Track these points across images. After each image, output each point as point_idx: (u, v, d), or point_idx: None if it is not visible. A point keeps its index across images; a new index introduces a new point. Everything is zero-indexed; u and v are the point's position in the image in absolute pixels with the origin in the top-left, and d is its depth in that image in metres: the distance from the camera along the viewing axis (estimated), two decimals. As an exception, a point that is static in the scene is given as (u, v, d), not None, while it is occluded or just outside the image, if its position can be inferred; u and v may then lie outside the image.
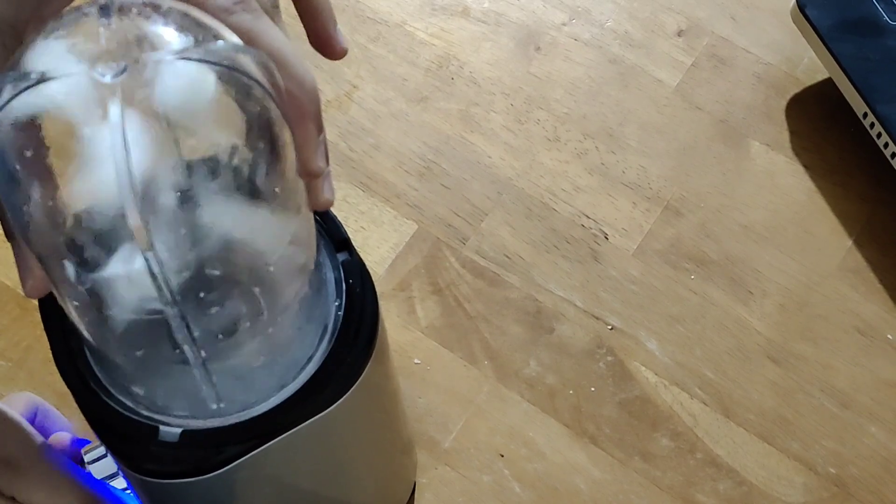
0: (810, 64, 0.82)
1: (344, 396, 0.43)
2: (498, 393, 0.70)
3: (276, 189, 0.36)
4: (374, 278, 0.72)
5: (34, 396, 0.59)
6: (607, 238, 0.75)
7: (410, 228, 0.75)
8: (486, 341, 0.72)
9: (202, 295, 0.36)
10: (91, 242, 0.34)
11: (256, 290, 0.38)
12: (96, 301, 0.36)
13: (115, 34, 0.33)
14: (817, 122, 0.80)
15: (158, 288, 0.35)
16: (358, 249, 0.73)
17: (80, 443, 0.58)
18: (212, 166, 0.34)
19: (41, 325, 0.45)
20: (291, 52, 0.38)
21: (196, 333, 0.37)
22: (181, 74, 0.33)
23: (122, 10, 0.34)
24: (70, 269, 0.35)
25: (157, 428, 0.41)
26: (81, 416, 0.44)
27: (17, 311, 0.73)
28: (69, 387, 0.43)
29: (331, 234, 0.46)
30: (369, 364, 0.44)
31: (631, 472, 0.68)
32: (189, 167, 0.33)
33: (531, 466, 0.68)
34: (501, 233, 0.75)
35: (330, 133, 0.78)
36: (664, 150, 0.79)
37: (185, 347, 0.38)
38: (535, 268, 0.74)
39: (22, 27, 0.39)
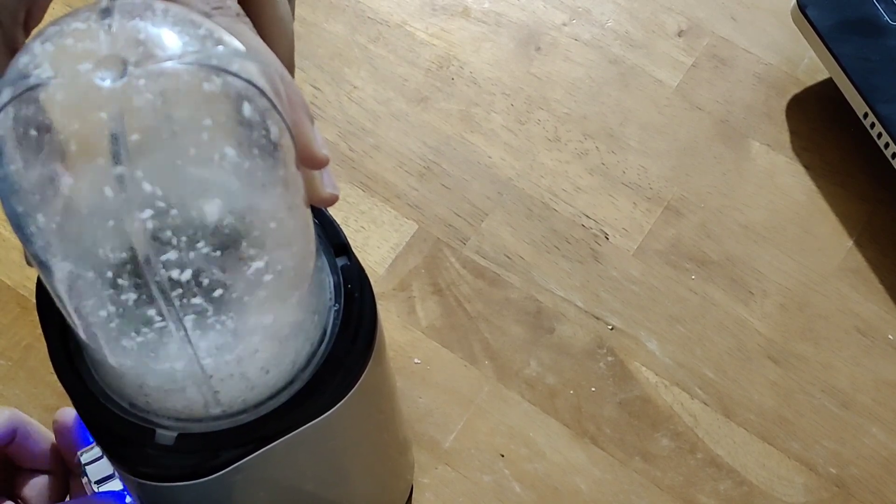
0: (811, 64, 0.82)
1: (342, 401, 0.43)
2: (498, 393, 0.70)
3: (276, 192, 0.36)
4: (374, 278, 0.73)
5: (16, 414, 0.58)
6: (608, 238, 0.75)
7: (411, 228, 0.76)
8: (487, 341, 0.72)
9: (198, 298, 0.36)
10: (84, 245, 0.34)
11: (255, 293, 0.38)
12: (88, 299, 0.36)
13: (116, 38, 0.33)
14: (817, 123, 0.80)
15: (153, 290, 0.35)
16: (358, 249, 0.74)
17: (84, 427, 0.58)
18: (212, 170, 0.34)
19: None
20: (269, 54, 0.38)
21: (192, 335, 0.37)
22: (182, 79, 0.33)
23: (124, 14, 0.34)
24: (64, 271, 0.35)
25: (154, 431, 0.41)
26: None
27: (17, 311, 0.73)
28: (66, 388, 0.43)
29: (329, 238, 0.46)
30: (367, 367, 0.44)
31: (631, 472, 0.68)
32: (188, 171, 0.33)
33: (531, 466, 0.68)
34: (502, 233, 0.75)
35: (330, 133, 0.79)
36: (664, 151, 0.79)
37: (182, 349, 0.38)
38: (536, 268, 0.74)
39: (23, 10, 0.39)
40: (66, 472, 0.61)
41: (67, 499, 0.61)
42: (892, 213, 0.76)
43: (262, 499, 0.48)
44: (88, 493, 0.58)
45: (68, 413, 0.59)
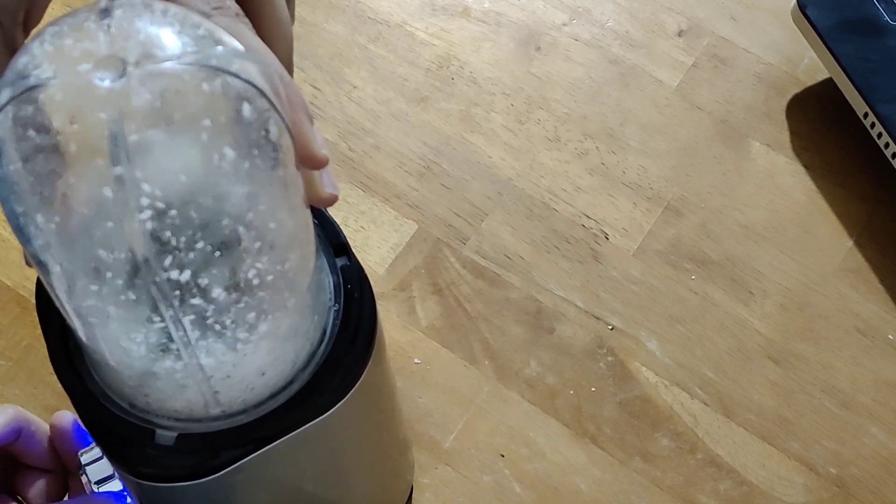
0: (811, 64, 0.82)
1: (342, 401, 0.43)
2: (498, 393, 0.70)
3: (275, 192, 0.36)
4: (374, 278, 0.73)
5: (21, 412, 0.58)
6: (608, 238, 0.75)
7: (411, 228, 0.76)
8: (487, 341, 0.72)
9: (197, 299, 0.36)
10: (83, 246, 0.34)
11: (255, 293, 0.38)
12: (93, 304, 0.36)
13: (115, 38, 0.33)
14: (817, 122, 0.80)
15: (153, 290, 0.35)
16: (358, 249, 0.74)
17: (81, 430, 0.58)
18: (211, 170, 0.34)
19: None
20: (269, 54, 0.38)
21: (192, 335, 0.37)
22: (181, 79, 0.33)
23: (123, 14, 0.34)
24: (64, 272, 0.35)
25: (154, 431, 0.41)
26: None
27: (17, 311, 0.73)
28: (66, 389, 0.43)
29: (329, 238, 0.46)
30: (367, 367, 0.44)
31: (631, 472, 0.68)
32: (188, 172, 0.33)
33: (531, 466, 0.68)
34: (502, 233, 0.75)
35: (330, 133, 0.79)
36: (664, 151, 0.79)
37: (182, 349, 0.38)
38: (536, 268, 0.74)
39: (22, 11, 0.39)
40: (65, 471, 0.61)
41: (66, 498, 0.61)
42: (892, 213, 0.76)
43: (263, 499, 0.48)
44: (88, 493, 0.58)
45: (66, 417, 0.59)
